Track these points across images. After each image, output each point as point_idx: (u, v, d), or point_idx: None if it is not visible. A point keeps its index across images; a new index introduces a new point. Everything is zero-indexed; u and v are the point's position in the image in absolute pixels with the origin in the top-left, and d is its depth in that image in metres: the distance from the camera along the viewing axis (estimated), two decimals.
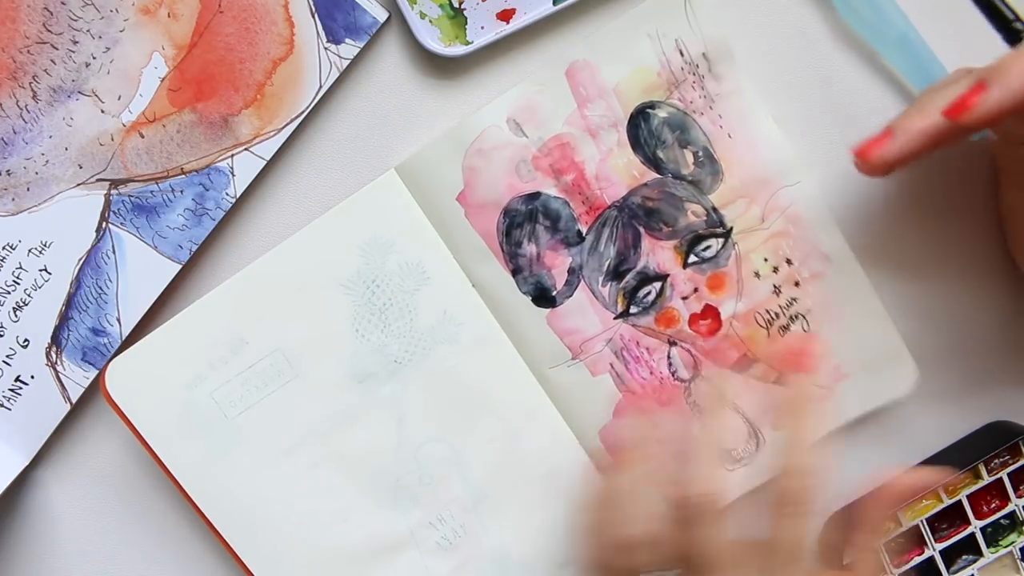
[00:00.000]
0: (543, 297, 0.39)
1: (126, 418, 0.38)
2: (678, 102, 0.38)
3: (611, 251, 0.39)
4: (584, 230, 0.39)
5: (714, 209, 0.39)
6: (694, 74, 0.38)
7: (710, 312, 0.40)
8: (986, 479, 0.42)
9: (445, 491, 0.40)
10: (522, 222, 0.39)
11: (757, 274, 0.39)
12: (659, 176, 0.38)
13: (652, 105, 0.38)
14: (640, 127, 0.38)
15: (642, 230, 0.39)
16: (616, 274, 0.39)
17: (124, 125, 0.37)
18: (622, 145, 0.38)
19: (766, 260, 0.39)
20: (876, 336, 0.40)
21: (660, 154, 0.38)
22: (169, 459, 0.38)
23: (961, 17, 0.40)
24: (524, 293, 0.39)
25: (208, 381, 0.38)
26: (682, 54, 0.37)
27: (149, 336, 0.37)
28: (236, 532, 0.39)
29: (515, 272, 0.39)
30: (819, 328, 0.40)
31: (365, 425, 0.39)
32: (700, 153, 0.38)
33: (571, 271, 0.39)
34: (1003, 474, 0.42)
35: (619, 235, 0.39)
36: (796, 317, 0.40)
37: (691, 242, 0.39)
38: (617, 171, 0.38)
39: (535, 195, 0.38)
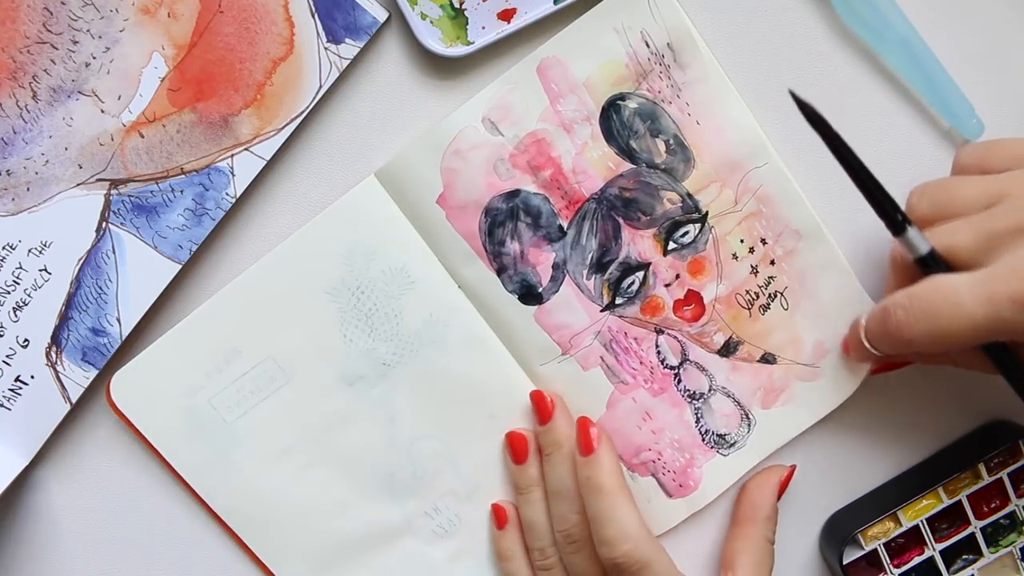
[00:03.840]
0: (529, 294, 0.39)
1: (132, 425, 0.39)
2: (647, 92, 0.38)
3: (593, 243, 0.39)
4: (565, 224, 0.39)
5: (689, 195, 0.39)
6: (660, 64, 0.38)
7: (693, 297, 0.40)
8: (986, 479, 0.42)
9: (439, 484, 0.41)
10: (504, 220, 0.39)
11: (735, 256, 0.40)
12: (634, 166, 0.39)
13: (622, 97, 0.38)
14: (612, 119, 0.38)
15: (621, 221, 0.39)
16: (599, 266, 0.39)
17: (124, 125, 0.37)
18: (596, 138, 0.38)
19: (742, 241, 0.40)
20: (853, 308, 0.41)
21: (633, 144, 0.39)
22: (176, 461, 0.40)
23: (960, 19, 0.40)
24: (510, 292, 0.39)
25: (205, 389, 0.39)
26: (648, 45, 0.38)
27: (148, 349, 0.39)
28: (245, 525, 0.41)
29: (500, 271, 0.39)
30: (797, 304, 0.41)
31: (357, 426, 0.40)
32: (671, 141, 0.39)
33: (555, 266, 0.39)
34: (1003, 474, 0.42)
35: (599, 227, 0.39)
36: (774, 295, 0.41)
37: (669, 229, 0.39)
38: (593, 164, 0.39)
39: (515, 193, 0.39)
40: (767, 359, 0.41)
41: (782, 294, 0.41)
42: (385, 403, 0.40)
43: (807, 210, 0.40)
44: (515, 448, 0.40)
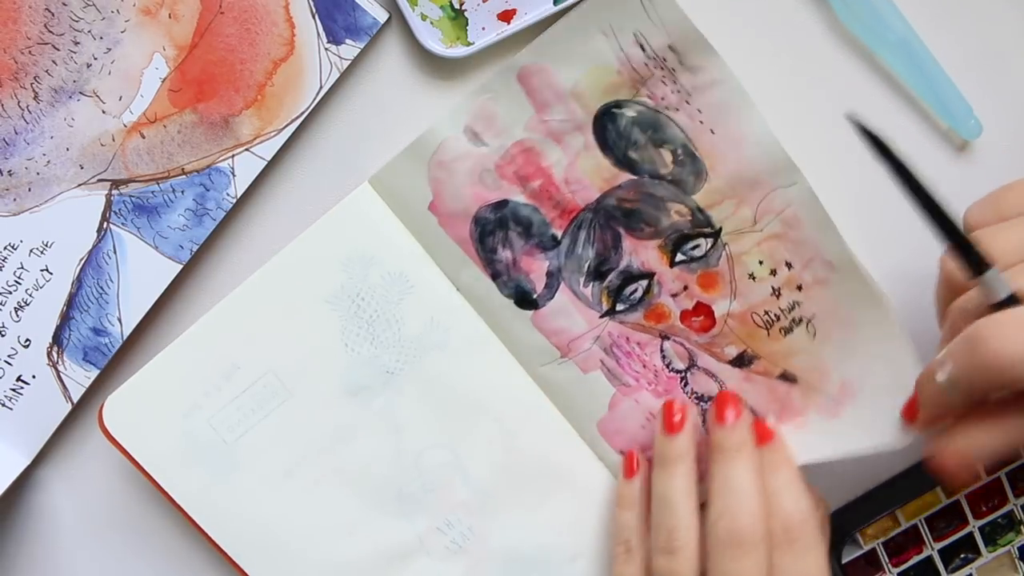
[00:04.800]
0: (524, 300, 0.39)
1: (128, 454, 0.38)
2: (648, 100, 0.36)
3: (589, 253, 0.38)
4: (559, 234, 0.38)
5: (699, 209, 0.37)
6: (662, 68, 0.35)
7: (703, 309, 0.38)
8: (984, 479, 0.42)
9: (449, 496, 0.40)
10: (493, 230, 0.38)
11: (752, 276, 0.37)
12: (634, 177, 0.37)
13: (618, 105, 0.36)
14: (608, 129, 0.36)
15: (622, 231, 0.38)
16: (597, 274, 0.38)
17: (125, 126, 0.37)
18: (590, 148, 0.37)
19: (761, 263, 0.37)
20: (890, 357, 0.36)
21: (633, 155, 0.37)
22: (173, 489, 0.38)
23: (959, 19, 0.40)
24: (506, 296, 0.39)
25: (204, 409, 0.38)
26: (643, 48, 0.35)
27: (141, 371, 0.38)
28: (246, 554, 0.39)
29: (494, 277, 0.39)
30: (828, 335, 0.37)
31: (363, 438, 0.40)
32: (679, 151, 0.36)
33: (550, 274, 0.38)
34: (1001, 474, 0.42)
35: (597, 237, 0.38)
36: (799, 321, 0.37)
37: (676, 241, 0.37)
38: (587, 174, 0.37)
39: (503, 203, 0.38)
40: (787, 377, 0.38)
41: (810, 321, 0.37)
42: (390, 413, 0.40)
43: (841, 243, 0.36)
44: (669, 415, 0.37)
